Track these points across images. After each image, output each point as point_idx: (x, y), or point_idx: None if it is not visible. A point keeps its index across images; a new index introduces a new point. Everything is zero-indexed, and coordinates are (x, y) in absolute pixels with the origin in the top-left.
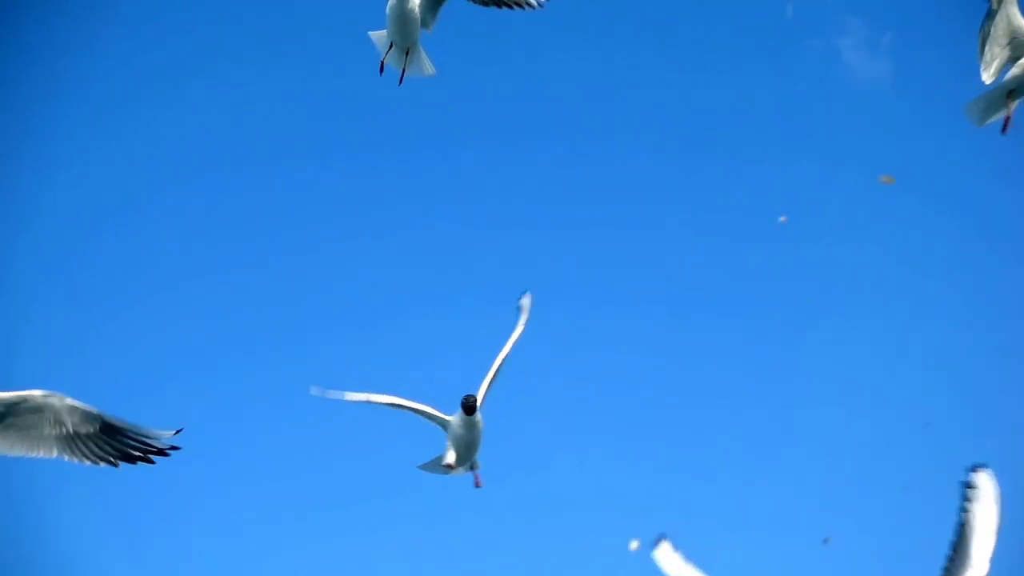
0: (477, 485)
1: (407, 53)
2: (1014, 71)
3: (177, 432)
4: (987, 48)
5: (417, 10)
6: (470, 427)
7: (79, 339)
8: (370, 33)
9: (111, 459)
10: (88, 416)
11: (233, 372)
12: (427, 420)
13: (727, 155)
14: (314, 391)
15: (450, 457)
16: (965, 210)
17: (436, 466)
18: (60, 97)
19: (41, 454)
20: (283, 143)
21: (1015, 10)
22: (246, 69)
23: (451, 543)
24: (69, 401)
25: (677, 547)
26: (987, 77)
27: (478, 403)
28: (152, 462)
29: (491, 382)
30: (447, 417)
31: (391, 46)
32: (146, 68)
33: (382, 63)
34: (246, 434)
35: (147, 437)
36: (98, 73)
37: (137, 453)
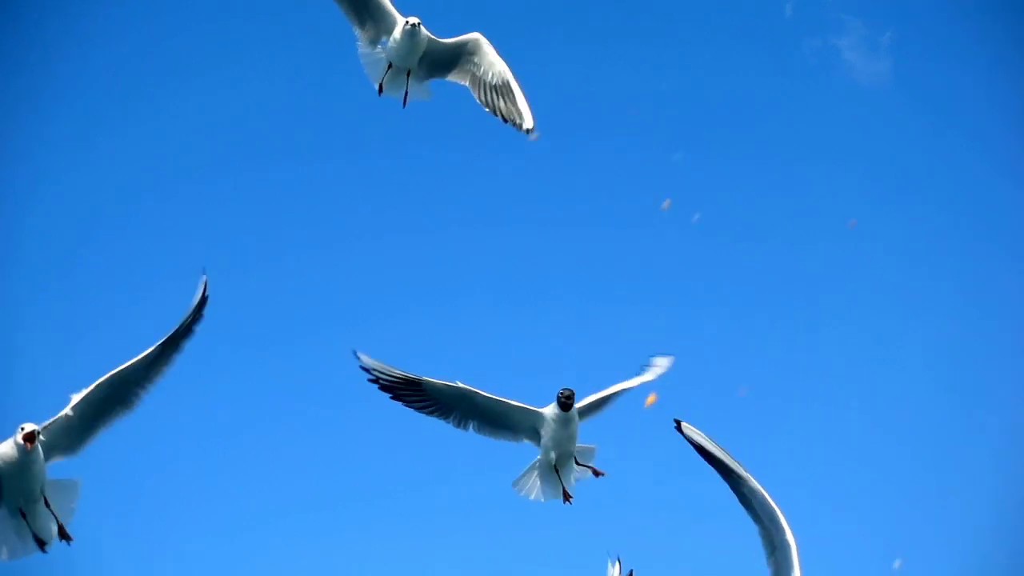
0: (598, 474)
1: (408, 73)
2: None
3: None
4: None
5: (425, 39)
6: (566, 424)
7: (79, 338)
8: (361, 51)
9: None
10: None
11: (232, 371)
12: (507, 422)
13: (726, 154)
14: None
15: (546, 457)
16: (965, 209)
17: (543, 477)
18: (58, 97)
19: None
20: (283, 143)
21: None
22: (245, 69)
23: (450, 542)
24: None
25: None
26: None
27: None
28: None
29: (599, 402)
30: (539, 410)
31: (389, 66)
32: (145, 68)
33: (380, 85)
34: (245, 433)
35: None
36: (97, 73)
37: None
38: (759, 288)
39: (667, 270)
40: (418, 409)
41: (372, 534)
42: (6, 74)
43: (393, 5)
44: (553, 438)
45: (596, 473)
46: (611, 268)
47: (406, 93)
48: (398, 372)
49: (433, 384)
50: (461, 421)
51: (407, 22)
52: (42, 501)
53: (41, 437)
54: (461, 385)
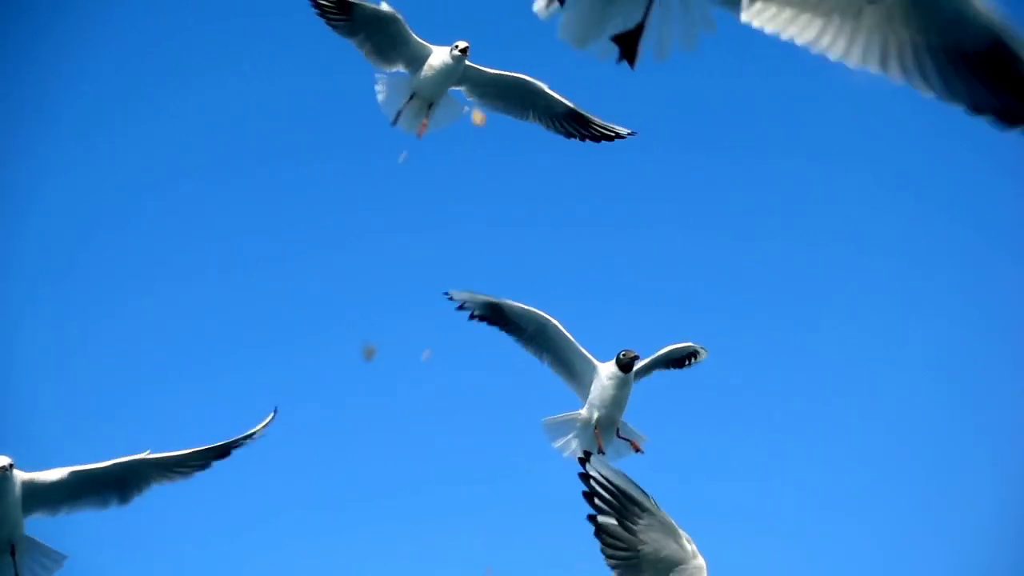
0: (637, 450)
1: (430, 105)
2: None
3: None
4: None
5: (464, 65)
6: (623, 385)
7: (79, 339)
8: (379, 81)
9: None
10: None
11: (232, 370)
12: (567, 358)
13: (726, 154)
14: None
15: (589, 415)
16: (965, 209)
17: (565, 427)
18: (58, 97)
19: None
20: (283, 143)
21: None
22: (245, 69)
23: (451, 541)
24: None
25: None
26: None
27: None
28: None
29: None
30: (596, 363)
31: (411, 97)
32: (145, 68)
33: (397, 114)
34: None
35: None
36: (97, 73)
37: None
38: (759, 288)
39: (667, 270)
40: (502, 329)
41: (372, 534)
42: (6, 74)
43: (419, 36)
44: (601, 397)
45: (636, 448)
46: (611, 267)
47: (424, 123)
48: (482, 298)
49: (512, 307)
50: (537, 350)
51: (455, 47)
52: (8, 552)
53: (14, 470)
54: (538, 312)
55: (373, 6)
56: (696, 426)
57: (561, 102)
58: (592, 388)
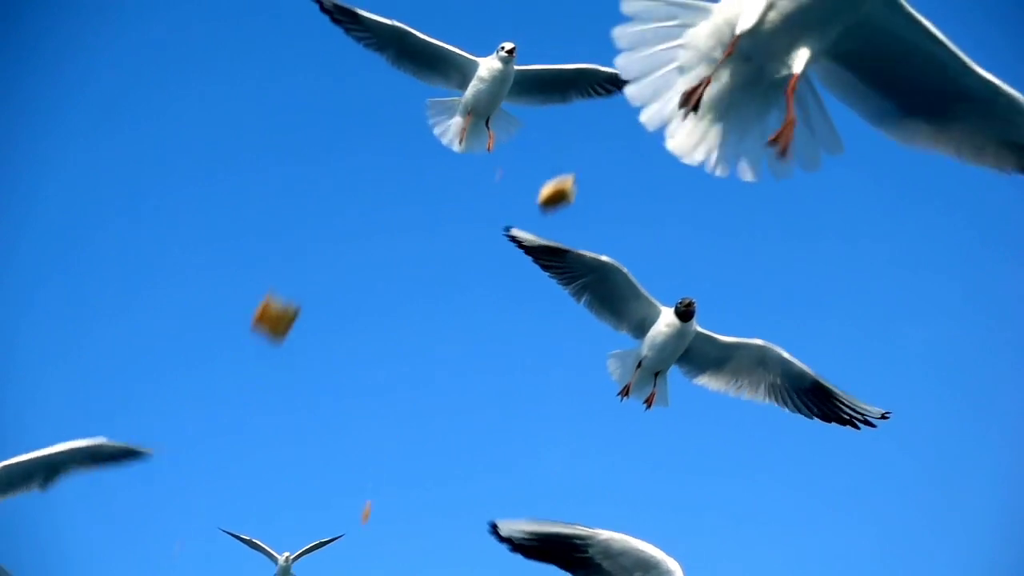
0: (648, 405)
1: (487, 121)
2: None
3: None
4: None
5: (514, 68)
6: (679, 336)
7: (79, 338)
8: (431, 114)
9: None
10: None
11: (232, 371)
12: (618, 294)
13: None
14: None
15: (638, 352)
16: (965, 210)
17: (626, 364)
18: (58, 97)
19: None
20: (283, 142)
21: None
22: (245, 69)
23: (450, 540)
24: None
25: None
26: None
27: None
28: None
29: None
30: (660, 307)
31: (468, 115)
32: (145, 68)
33: (462, 132)
34: (245, 432)
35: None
36: (97, 73)
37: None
38: (758, 287)
39: (666, 268)
40: (552, 274)
41: (372, 533)
42: (7, 74)
43: (464, 51)
44: (653, 340)
45: (649, 401)
46: None
47: (490, 138)
48: (543, 241)
49: (575, 256)
50: (582, 292)
51: (501, 48)
52: None
53: None
54: (607, 259)
55: (377, 18)
56: (695, 425)
57: (605, 72)
58: (650, 330)
